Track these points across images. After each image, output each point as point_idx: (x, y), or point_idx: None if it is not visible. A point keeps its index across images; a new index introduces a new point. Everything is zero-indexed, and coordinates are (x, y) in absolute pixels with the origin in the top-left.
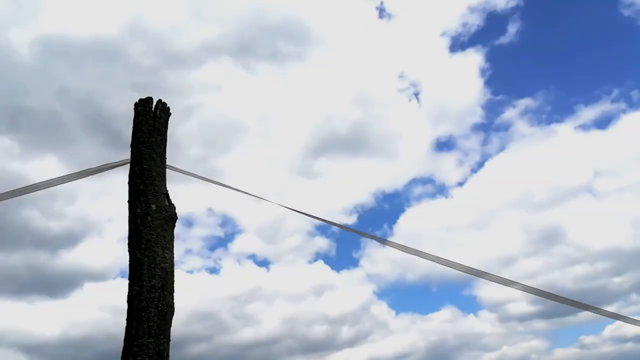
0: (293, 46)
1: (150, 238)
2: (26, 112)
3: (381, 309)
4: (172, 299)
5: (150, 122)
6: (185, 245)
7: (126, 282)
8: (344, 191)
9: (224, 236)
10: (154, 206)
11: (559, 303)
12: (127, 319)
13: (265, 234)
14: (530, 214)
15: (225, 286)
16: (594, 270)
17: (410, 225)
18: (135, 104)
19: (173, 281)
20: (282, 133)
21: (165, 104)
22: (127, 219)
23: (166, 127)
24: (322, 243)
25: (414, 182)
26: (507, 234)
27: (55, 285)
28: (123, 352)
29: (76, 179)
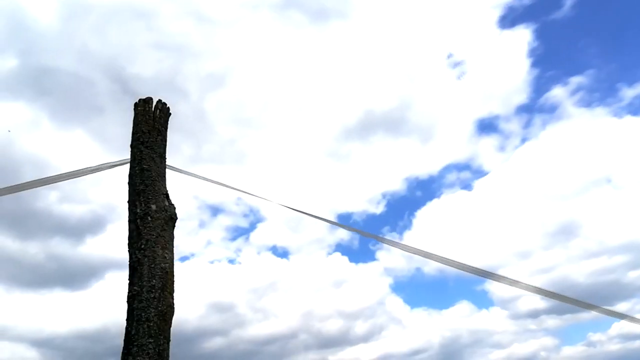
0: (336, 5)
1: (150, 238)
2: (52, 78)
3: (396, 304)
4: (172, 299)
5: (150, 122)
6: (208, 234)
7: None
8: (376, 175)
9: (248, 226)
10: (153, 206)
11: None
12: (127, 319)
13: (288, 224)
14: (551, 205)
15: (244, 277)
16: (611, 264)
17: (429, 217)
18: (135, 104)
19: (173, 281)
20: (317, 108)
21: (165, 104)
22: None
23: (166, 127)
24: (344, 234)
25: (449, 168)
26: (526, 226)
27: (76, 275)
28: (123, 352)
29: (75, 178)
